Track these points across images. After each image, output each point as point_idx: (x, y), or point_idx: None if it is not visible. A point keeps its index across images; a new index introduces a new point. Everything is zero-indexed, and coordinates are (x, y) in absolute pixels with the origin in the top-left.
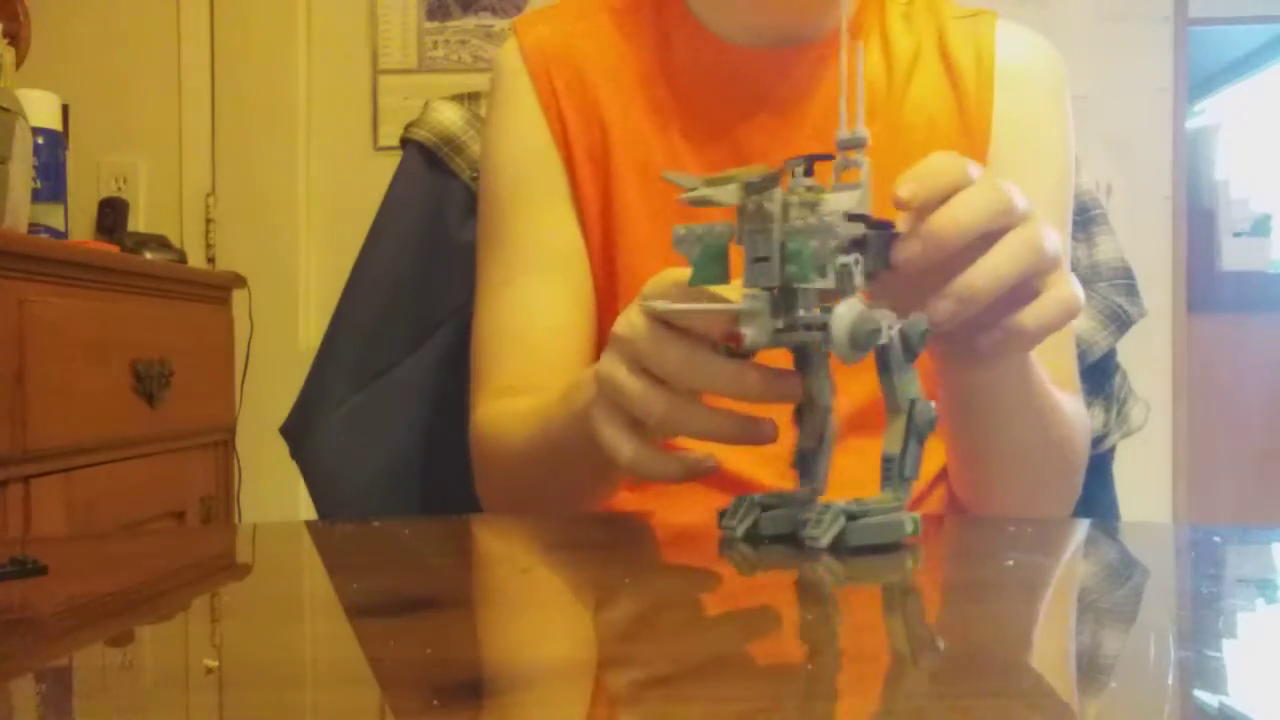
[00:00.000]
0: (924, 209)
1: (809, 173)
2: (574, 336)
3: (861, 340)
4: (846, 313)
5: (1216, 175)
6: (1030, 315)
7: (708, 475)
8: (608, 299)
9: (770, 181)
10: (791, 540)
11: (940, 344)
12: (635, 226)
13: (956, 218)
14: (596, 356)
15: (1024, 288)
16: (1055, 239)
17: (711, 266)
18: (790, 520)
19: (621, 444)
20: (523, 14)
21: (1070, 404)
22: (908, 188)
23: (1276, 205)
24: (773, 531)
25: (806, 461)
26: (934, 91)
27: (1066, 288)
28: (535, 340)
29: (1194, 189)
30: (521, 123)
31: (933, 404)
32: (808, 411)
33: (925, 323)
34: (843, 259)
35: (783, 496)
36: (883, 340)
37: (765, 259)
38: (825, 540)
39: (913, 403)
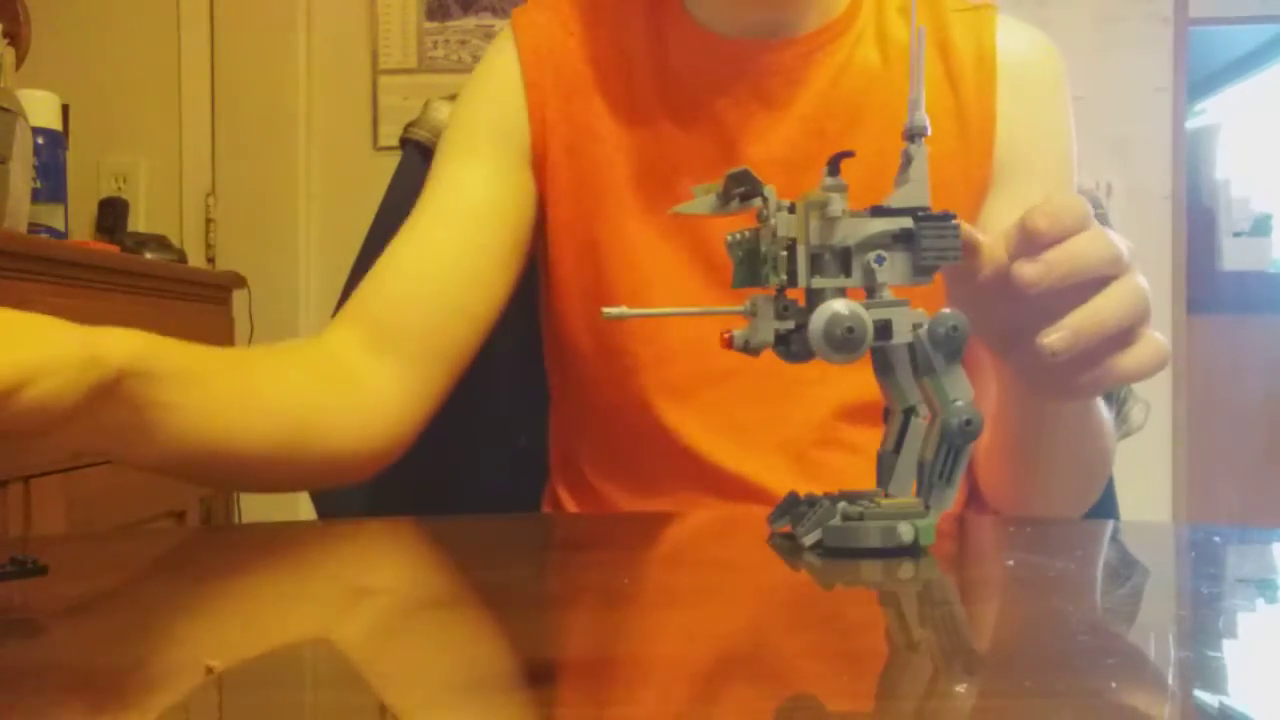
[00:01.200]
0: (1047, 243)
1: (835, 171)
2: (466, 288)
3: (837, 340)
4: (824, 312)
5: (1216, 175)
6: (1130, 360)
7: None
8: (596, 294)
9: (751, 187)
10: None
11: (1026, 373)
12: (625, 219)
13: (1085, 253)
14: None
15: (1125, 334)
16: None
17: (747, 269)
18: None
19: None
20: (523, 3)
21: (1104, 409)
22: (1046, 220)
23: (1276, 205)
24: (834, 543)
25: (883, 464)
26: (931, 86)
27: (1158, 338)
28: (416, 280)
29: (1194, 189)
30: (497, 88)
31: (975, 411)
32: (888, 415)
33: (953, 319)
34: (874, 254)
35: (845, 495)
36: (898, 339)
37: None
38: (809, 539)
39: (951, 406)
